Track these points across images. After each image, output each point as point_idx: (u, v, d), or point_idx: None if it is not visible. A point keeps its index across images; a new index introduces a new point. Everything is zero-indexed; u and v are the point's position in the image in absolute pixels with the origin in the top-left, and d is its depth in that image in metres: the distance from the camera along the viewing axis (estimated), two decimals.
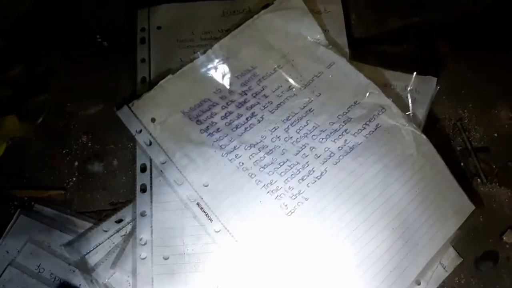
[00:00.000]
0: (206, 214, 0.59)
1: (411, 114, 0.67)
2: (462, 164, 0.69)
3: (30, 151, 0.64)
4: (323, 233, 0.59)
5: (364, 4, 0.74)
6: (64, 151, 0.64)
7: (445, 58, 0.76)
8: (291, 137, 0.65)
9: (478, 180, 0.68)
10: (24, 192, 0.62)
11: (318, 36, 0.70)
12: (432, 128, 0.70)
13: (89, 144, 0.65)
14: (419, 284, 0.61)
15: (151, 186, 0.61)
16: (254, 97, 0.67)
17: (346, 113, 0.66)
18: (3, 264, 0.58)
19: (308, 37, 0.70)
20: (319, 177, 0.62)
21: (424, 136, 0.65)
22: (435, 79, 0.69)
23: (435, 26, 0.79)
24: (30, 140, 0.64)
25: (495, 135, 0.72)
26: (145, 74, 0.68)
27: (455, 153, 0.70)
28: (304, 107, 0.67)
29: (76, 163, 0.64)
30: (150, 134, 0.63)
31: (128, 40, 0.72)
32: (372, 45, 0.75)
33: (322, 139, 0.65)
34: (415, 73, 0.69)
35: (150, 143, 0.63)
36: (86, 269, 0.58)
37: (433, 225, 0.62)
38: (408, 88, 0.69)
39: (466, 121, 0.72)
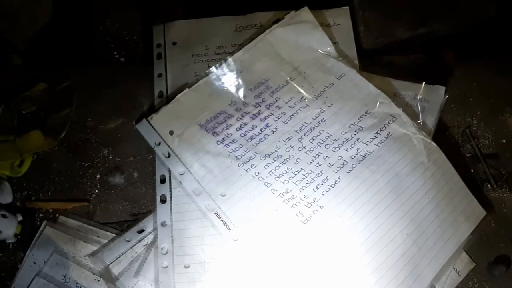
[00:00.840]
0: (224, 223, 0.61)
1: (421, 123, 0.69)
2: (472, 170, 0.71)
3: (54, 165, 0.66)
4: (338, 240, 0.61)
5: (372, 17, 0.76)
6: (86, 164, 0.66)
7: (452, 67, 0.78)
8: (304, 147, 0.67)
9: (488, 186, 0.70)
10: (49, 204, 0.64)
11: (328, 48, 0.72)
12: (442, 135, 0.72)
13: (110, 157, 0.67)
14: None
15: (170, 197, 0.63)
16: (268, 108, 0.69)
17: (358, 122, 0.68)
18: (30, 274, 0.60)
19: (319, 50, 0.73)
20: (333, 185, 0.64)
21: (434, 144, 0.66)
22: (444, 88, 0.71)
23: (440, 36, 0.81)
24: (53, 154, 0.67)
25: (504, 141, 0.73)
26: (162, 89, 0.70)
27: (465, 160, 0.72)
28: (317, 117, 0.69)
29: (98, 176, 0.66)
30: (169, 146, 0.65)
31: (145, 56, 0.75)
32: (380, 56, 0.78)
33: (335, 148, 0.66)
34: (424, 82, 0.71)
35: (169, 155, 0.65)
36: (110, 279, 0.60)
37: (446, 230, 0.64)
38: (418, 97, 0.71)
39: (474, 128, 0.74)
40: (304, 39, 0.73)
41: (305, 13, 0.73)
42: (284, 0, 0.76)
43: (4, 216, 0.60)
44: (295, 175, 0.64)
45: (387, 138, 0.67)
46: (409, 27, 0.77)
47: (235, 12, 0.75)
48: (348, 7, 0.77)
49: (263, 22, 0.75)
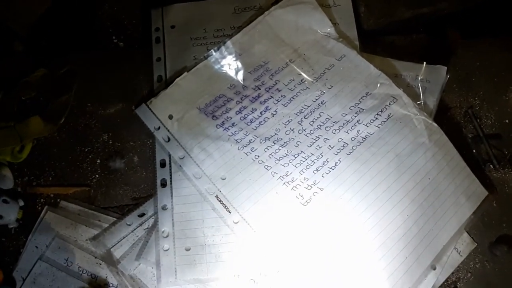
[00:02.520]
0: (225, 206, 0.61)
1: (422, 103, 0.69)
2: (474, 151, 0.70)
3: (54, 150, 0.66)
4: (338, 222, 0.61)
5: None
6: (86, 150, 0.67)
7: (454, 46, 0.77)
8: (304, 129, 0.66)
9: (491, 166, 0.69)
10: (50, 189, 0.64)
11: (328, 29, 0.72)
12: (444, 116, 0.71)
13: (110, 142, 0.67)
14: (434, 269, 0.62)
15: (171, 181, 0.64)
16: (267, 91, 0.69)
17: (358, 104, 0.68)
18: (33, 258, 0.61)
19: (319, 31, 0.72)
20: (333, 167, 0.63)
21: (435, 125, 0.66)
22: (445, 68, 0.70)
23: (443, 15, 0.79)
24: (53, 140, 0.67)
25: (506, 121, 0.72)
26: (161, 73, 0.70)
27: (467, 140, 0.71)
28: (317, 99, 0.68)
29: (98, 161, 0.66)
30: (168, 131, 0.65)
31: (143, 40, 0.74)
32: (381, 37, 0.77)
33: (335, 130, 0.66)
34: (424, 63, 0.70)
35: (169, 139, 0.65)
36: (112, 262, 0.61)
37: (447, 211, 0.63)
38: (419, 78, 0.70)
39: (477, 108, 0.73)
40: (303, 21, 0.72)
41: None
42: None
43: (5, 201, 0.60)
44: (295, 157, 0.64)
45: (387, 119, 0.67)
46: (411, 7, 0.76)
47: None
48: None
49: (262, 3, 0.74)
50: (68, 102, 0.67)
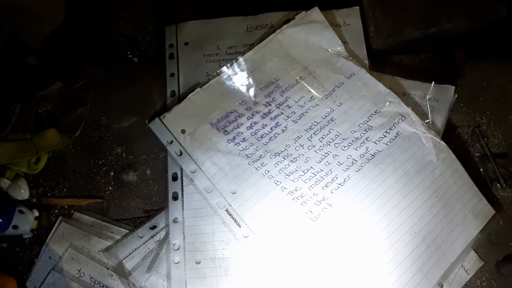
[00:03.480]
0: (235, 220, 0.62)
1: (430, 122, 0.70)
2: (481, 169, 0.71)
3: (69, 162, 0.68)
4: (347, 238, 0.62)
5: (382, 17, 0.76)
6: (100, 162, 0.68)
7: (461, 66, 0.78)
8: (314, 146, 0.67)
9: (498, 185, 0.70)
10: (65, 201, 0.65)
11: (338, 48, 0.73)
12: (451, 135, 0.72)
13: (123, 155, 0.69)
14: (441, 286, 0.63)
15: (182, 194, 0.65)
16: (278, 107, 0.70)
17: (367, 121, 0.69)
18: (46, 269, 0.62)
19: (329, 50, 0.73)
20: (342, 183, 0.64)
21: (443, 143, 0.67)
22: (453, 87, 0.71)
23: (451, 35, 0.81)
24: (68, 152, 0.68)
25: None
26: (174, 88, 0.72)
27: (474, 159, 0.72)
28: (326, 116, 0.70)
29: (112, 173, 0.67)
30: (181, 145, 0.67)
31: (157, 56, 0.76)
32: (390, 56, 0.78)
33: (345, 147, 0.67)
34: (433, 82, 0.71)
35: (181, 153, 0.66)
36: (123, 273, 0.61)
37: (454, 229, 0.64)
38: (427, 97, 0.71)
39: (484, 127, 0.74)
40: (314, 39, 0.73)
41: (316, 13, 0.74)
42: (295, 0, 0.76)
43: (21, 211, 0.62)
44: (305, 173, 0.65)
45: (396, 137, 0.68)
46: (420, 27, 0.77)
47: (246, 13, 0.76)
48: (358, 7, 0.77)
49: (273, 22, 0.76)
50: (83, 115, 0.69)
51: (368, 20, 0.78)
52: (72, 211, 0.65)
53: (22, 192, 0.64)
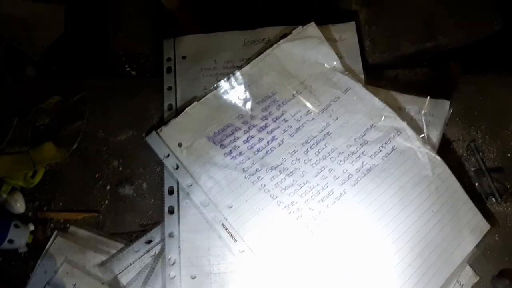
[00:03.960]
0: (231, 235, 0.62)
1: (426, 137, 0.70)
2: (476, 184, 0.71)
3: (66, 175, 0.68)
4: (344, 253, 0.62)
5: (378, 31, 0.77)
6: (96, 176, 0.68)
7: (457, 80, 0.78)
8: (310, 159, 0.68)
9: (493, 199, 0.70)
10: (60, 214, 0.65)
11: (335, 63, 0.74)
12: (447, 149, 0.73)
13: (120, 169, 0.69)
14: None
15: (178, 208, 0.65)
16: (275, 121, 0.71)
17: (363, 136, 0.69)
18: (41, 283, 0.62)
19: (325, 64, 0.74)
20: (338, 198, 0.65)
21: (439, 158, 0.67)
22: (448, 102, 0.71)
23: (447, 50, 0.82)
24: (65, 165, 0.68)
25: (509, 155, 0.74)
26: (171, 101, 0.72)
27: (469, 173, 0.72)
28: (322, 130, 0.70)
29: (108, 187, 0.68)
30: (177, 158, 0.67)
31: (155, 70, 0.76)
32: (386, 70, 0.78)
33: (340, 161, 0.67)
34: (428, 97, 0.71)
35: (177, 167, 0.66)
36: None
37: (450, 244, 0.64)
38: (422, 112, 0.71)
39: (479, 142, 0.74)
40: (310, 54, 0.74)
41: (312, 28, 0.75)
42: (292, 15, 0.77)
43: (16, 226, 0.61)
44: (301, 187, 0.66)
45: (392, 151, 0.68)
46: (415, 42, 0.77)
47: (243, 27, 0.77)
48: (354, 22, 0.78)
49: (270, 37, 0.76)
50: (81, 129, 0.69)
51: (364, 34, 0.78)
52: (68, 225, 0.65)
53: (18, 206, 0.64)
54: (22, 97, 0.71)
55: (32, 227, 0.63)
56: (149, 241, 0.64)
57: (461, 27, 0.79)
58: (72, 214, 0.65)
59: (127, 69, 0.77)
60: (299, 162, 0.68)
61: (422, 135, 0.70)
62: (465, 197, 0.67)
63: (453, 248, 0.64)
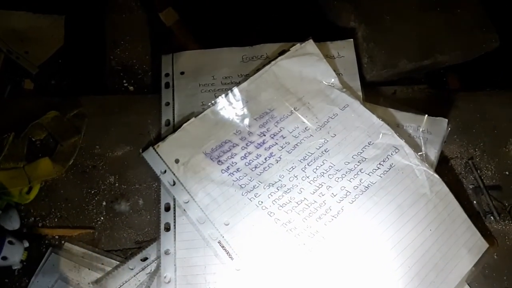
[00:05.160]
0: (227, 253, 0.62)
1: (424, 154, 0.70)
2: (475, 202, 0.71)
3: (61, 191, 0.67)
4: (341, 271, 0.61)
5: (376, 49, 0.77)
6: (92, 191, 0.67)
7: (455, 97, 0.79)
8: (308, 176, 0.67)
9: (491, 217, 0.70)
10: (55, 231, 0.65)
11: (332, 80, 0.74)
12: (445, 166, 0.73)
13: (116, 184, 0.68)
14: None
15: (174, 225, 0.64)
16: (272, 138, 0.70)
17: (361, 153, 0.69)
18: None
19: (323, 81, 0.74)
20: (336, 216, 0.64)
21: (437, 176, 0.67)
22: (446, 120, 0.72)
23: (444, 67, 0.82)
24: (61, 181, 0.68)
25: (507, 173, 0.74)
26: (169, 117, 0.72)
27: (467, 191, 0.72)
28: (320, 147, 0.70)
29: (104, 203, 0.67)
30: (174, 174, 0.66)
31: (153, 85, 0.76)
32: (384, 87, 0.79)
33: (338, 178, 0.67)
34: (426, 115, 0.71)
35: (174, 183, 0.66)
36: None
37: (448, 263, 0.64)
38: (420, 129, 0.71)
39: (477, 159, 0.74)
40: (308, 71, 0.74)
41: (310, 45, 0.75)
42: (290, 31, 0.78)
43: (11, 242, 0.61)
44: (298, 204, 0.65)
45: (389, 169, 0.68)
46: (413, 59, 0.78)
47: (242, 43, 0.77)
48: (352, 39, 0.78)
49: (269, 53, 0.77)
50: (77, 145, 0.69)
51: (362, 52, 0.79)
52: (62, 242, 0.64)
53: (13, 222, 0.63)
54: (19, 112, 0.71)
55: (26, 244, 0.63)
56: (145, 259, 0.63)
57: (459, 44, 0.79)
58: (67, 231, 0.65)
59: (125, 84, 0.77)
60: (297, 179, 0.67)
61: (420, 153, 0.69)
62: (463, 215, 0.67)
63: (451, 268, 0.64)
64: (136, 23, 0.81)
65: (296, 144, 0.70)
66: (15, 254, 0.61)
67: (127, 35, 0.80)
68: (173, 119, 0.72)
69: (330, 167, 0.68)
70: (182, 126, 0.69)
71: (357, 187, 0.67)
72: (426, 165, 0.68)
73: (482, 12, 0.82)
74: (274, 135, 0.71)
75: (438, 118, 0.72)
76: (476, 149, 0.75)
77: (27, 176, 0.64)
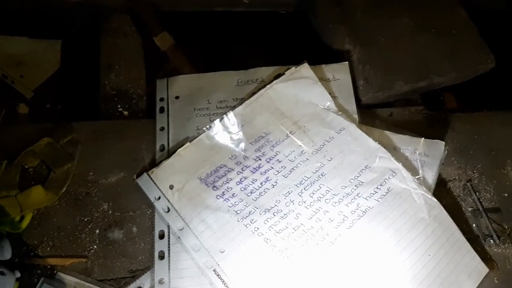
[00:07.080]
0: (223, 281, 0.61)
1: (421, 178, 0.69)
2: (474, 225, 0.70)
3: (54, 219, 0.66)
4: None
5: (372, 71, 0.77)
6: (85, 219, 0.66)
7: (451, 118, 0.78)
8: (304, 201, 0.67)
9: (491, 241, 0.69)
10: (48, 260, 0.63)
11: (328, 103, 0.73)
12: (443, 189, 0.72)
13: (110, 212, 0.67)
14: None
15: (169, 253, 0.63)
16: (268, 162, 0.70)
17: (358, 177, 0.68)
18: None
19: (319, 105, 0.74)
20: (333, 242, 0.63)
21: (435, 199, 0.66)
22: (443, 143, 0.71)
23: (440, 88, 0.82)
24: (54, 209, 0.66)
25: (505, 195, 0.73)
26: (164, 142, 0.71)
27: (466, 214, 0.71)
28: (317, 171, 0.69)
29: (97, 231, 0.66)
30: (168, 201, 0.66)
31: (148, 110, 0.76)
32: (380, 109, 0.78)
33: (335, 203, 0.66)
34: (423, 138, 0.71)
35: (168, 210, 0.65)
36: None
37: None
38: (417, 152, 0.71)
39: (476, 181, 0.74)
40: (304, 94, 0.74)
41: (305, 69, 0.75)
42: (285, 55, 0.77)
43: (2, 273, 0.59)
44: (295, 230, 0.64)
45: (387, 193, 0.67)
46: (409, 81, 0.77)
47: (237, 67, 0.77)
48: (347, 62, 0.78)
49: (264, 77, 0.76)
50: (70, 171, 0.68)
51: (357, 74, 0.78)
52: (55, 271, 0.63)
53: (5, 252, 0.62)
54: (12, 138, 0.70)
55: (18, 274, 0.61)
56: None
57: (454, 65, 0.79)
58: (60, 260, 0.63)
59: (120, 109, 0.77)
60: (293, 204, 0.66)
61: (417, 176, 0.69)
62: (463, 239, 0.66)
63: None
64: (131, 48, 0.81)
65: (292, 168, 0.69)
66: (6, 285, 0.59)
67: (122, 60, 0.80)
68: (168, 144, 0.71)
69: (327, 192, 0.67)
70: (177, 152, 0.69)
71: (355, 211, 0.66)
72: (424, 188, 0.67)
73: (477, 33, 0.82)
74: (270, 159, 0.70)
75: (435, 140, 0.72)
76: (474, 171, 0.74)
77: (19, 205, 0.63)
